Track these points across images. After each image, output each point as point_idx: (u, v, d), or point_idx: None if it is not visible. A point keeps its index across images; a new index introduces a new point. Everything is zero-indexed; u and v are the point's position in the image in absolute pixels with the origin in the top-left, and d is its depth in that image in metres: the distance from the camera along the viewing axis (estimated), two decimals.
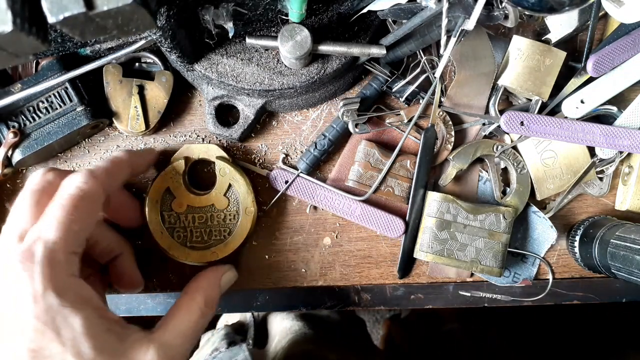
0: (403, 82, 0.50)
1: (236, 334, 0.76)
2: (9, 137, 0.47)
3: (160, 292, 0.53)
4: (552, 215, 0.52)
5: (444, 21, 0.37)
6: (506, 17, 0.39)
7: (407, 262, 0.52)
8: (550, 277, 0.53)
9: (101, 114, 0.49)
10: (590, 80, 0.49)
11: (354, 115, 0.49)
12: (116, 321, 0.38)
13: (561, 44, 0.51)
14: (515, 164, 0.51)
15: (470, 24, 0.37)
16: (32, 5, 0.25)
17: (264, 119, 0.53)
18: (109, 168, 0.42)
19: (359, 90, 0.51)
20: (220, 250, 0.49)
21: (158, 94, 0.50)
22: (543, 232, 0.52)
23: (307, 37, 0.42)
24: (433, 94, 0.48)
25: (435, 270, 0.53)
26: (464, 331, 0.85)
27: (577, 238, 0.51)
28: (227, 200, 0.50)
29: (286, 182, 0.51)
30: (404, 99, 0.51)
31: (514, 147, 0.51)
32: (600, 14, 0.49)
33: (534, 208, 0.52)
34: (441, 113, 0.50)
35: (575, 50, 0.52)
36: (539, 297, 0.53)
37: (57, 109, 0.48)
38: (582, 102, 0.49)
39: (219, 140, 0.53)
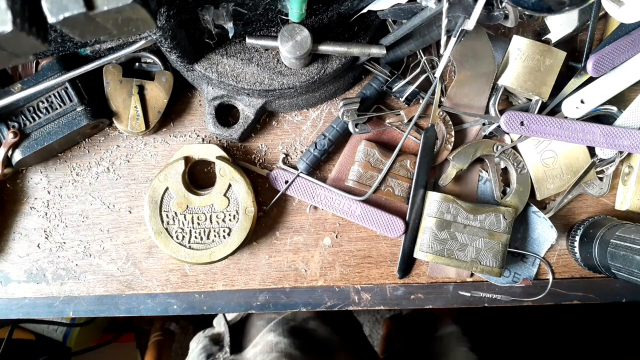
0: (403, 82, 0.50)
1: (214, 345, 0.75)
2: (9, 137, 0.47)
3: (160, 292, 0.53)
4: (552, 215, 0.52)
5: (444, 21, 0.37)
6: (506, 17, 0.39)
7: (407, 262, 0.52)
8: (550, 277, 0.53)
9: (101, 114, 0.49)
10: (590, 80, 0.49)
11: (354, 115, 0.49)
12: None
13: (561, 44, 0.51)
14: (515, 164, 0.51)
15: (470, 24, 0.37)
16: (32, 5, 0.25)
17: (264, 119, 0.53)
18: None
19: (359, 90, 0.51)
20: (220, 250, 0.49)
21: (158, 94, 0.50)
22: (543, 232, 0.52)
23: (307, 37, 0.42)
24: (433, 94, 0.48)
25: (435, 270, 0.53)
26: (463, 332, 0.85)
27: (577, 238, 0.51)
28: (227, 200, 0.50)
29: (286, 182, 0.51)
30: (404, 99, 0.51)
31: (514, 147, 0.51)
32: (600, 14, 0.49)
33: (534, 208, 0.52)
34: (441, 113, 0.50)
35: (575, 50, 0.52)
36: (539, 297, 0.53)
37: (57, 109, 0.48)
38: (582, 102, 0.49)
39: (219, 140, 0.53)
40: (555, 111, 0.50)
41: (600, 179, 0.52)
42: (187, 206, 0.49)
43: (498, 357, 0.84)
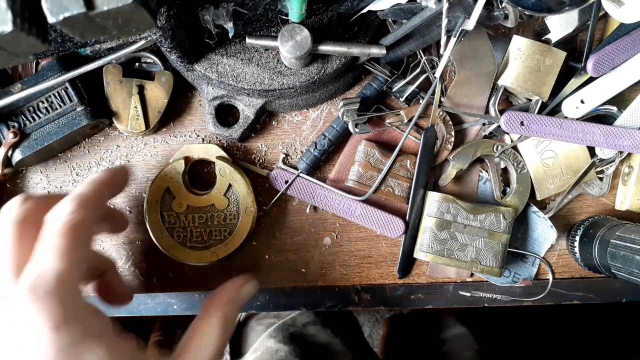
0: (403, 82, 0.50)
1: None
2: (9, 137, 0.47)
3: (160, 292, 0.53)
4: (552, 215, 0.52)
5: (444, 21, 0.37)
6: (506, 17, 0.39)
7: (407, 262, 0.52)
8: (550, 277, 0.53)
9: (101, 114, 0.49)
10: (590, 80, 0.49)
11: (354, 115, 0.49)
12: (135, 347, 0.37)
13: (561, 44, 0.51)
14: (515, 164, 0.51)
15: (470, 24, 0.37)
16: (32, 5, 0.25)
17: (264, 119, 0.53)
18: (93, 191, 0.39)
19: (359, 90, 0.51)
20: (220, 250, 0.49)
21: (158, 94, 0.50)
22: (543, 232, 0.52)
23: (307, 37, 0.42)
24: (433, 94, 0.48)
25: (435, 270, 0.53)
26: (470, 334, 0.85)
27: (577, 238, 0.51)
28: (227, 200, 0.50)
29: (286, 182, 0.51)
30: (404, 99, 0.51)
31: (514, 147, 0.51)
32: (600, 14, 0.49)
33: (534, 208, 0.52)
34: (441, 113, 0.50)
35: (575, 50, 0.52)
36: (539, 297, 0.53)
37: (57, 109, 0.48)
38: (582, 102, 0.49)
39: (219, 140, 0.53)
40: (555, 111, 0.50)
41: (600, 179, 0.52)
42: (188, 206, 0.49)
43: (499, 357, 0.84)
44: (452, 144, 0.51)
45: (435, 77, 0.47)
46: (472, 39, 0.50)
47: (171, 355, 0.39)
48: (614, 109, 0.50)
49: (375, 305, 0.54)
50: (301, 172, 0.51)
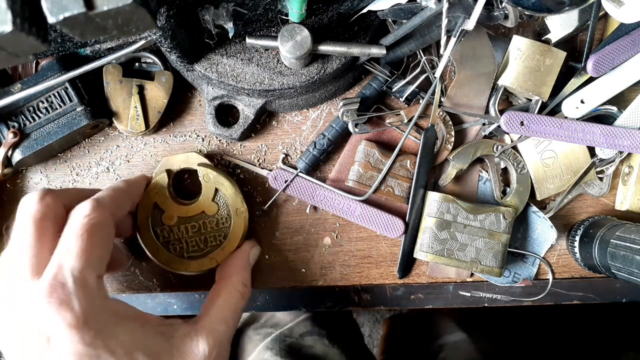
0: (403, 82, 0.50)
1: None
2: (9, 137, 0.47)
3: (160, 292, 0.53)
4: (552, 215, 0.52)
5: (444, 21, 0.37)
6: (506, 17, 0.39)
7: (407, 262, 0.52)
8: (550, 277, 0.53)
9: (101, 114, 0.49)
10: (590, 80, 0.49)
11: (354, 115, 0.49)
12: (158, 321, 0.38)
13: (561, 44, 0.51)
14: (515, 164, 0.51)
15: (470, 24, 0.37)
16: (32, 5, 0.25)
17: (264, 119, 0.53)
18: (113, 196, 0.41)
19: (359, 90, 0.51)
20: (218, 255, 0.49)
21: (158, 94, 0.50)
22: (543, 232, 0.52)
23: (307, 37, 0.42)
24: (433, 94, 0.48)
25: (435, 270, 0.53)
26: (470, 341, 0.84)
27: (577, 238, 0.51)
28: (216, 205, 0.49)
29: (286, 182, 0.51)
30: (404, 99, 0.51)
31: (514, 147, 0.51)
32: (600, 14, 0.49)
33: (534, 208, 0.52)
34: (441, 113, 0.50)
35: (575, 50, 0.52)
36: (539, 297, 0.53)
37: (57, 109, 0.48)
38: (582, 102, 0.49)
39: (219, 140, 0.53)
40: (555, 111, 0.50)
41: (600, 179, 0.52)
42: (178, 217, 0.49)
43: (498, 357, 0.84)
44: (452, 144, 0.51)
45: (435, 77, 0.47)
46: (472, 39, 0.50)
47: (194, 320, 0.40)
48: (614, 109, 0.50)
49: (375, 305, 0.54)
50: (300, 171, 0.51)
